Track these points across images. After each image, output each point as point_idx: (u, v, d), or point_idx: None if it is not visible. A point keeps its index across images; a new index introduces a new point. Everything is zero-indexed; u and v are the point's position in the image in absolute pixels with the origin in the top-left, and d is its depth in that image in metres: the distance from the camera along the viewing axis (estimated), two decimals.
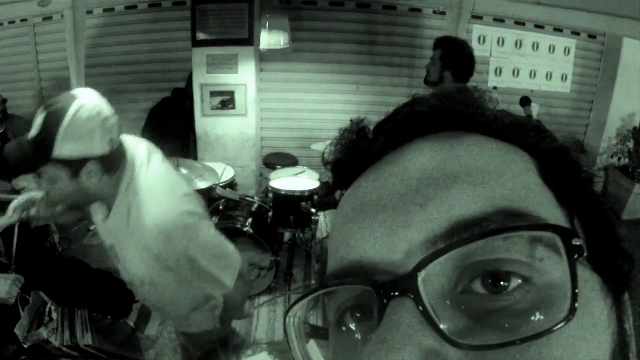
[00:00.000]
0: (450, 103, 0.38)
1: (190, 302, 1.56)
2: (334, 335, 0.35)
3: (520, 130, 0.37)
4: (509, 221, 0.29)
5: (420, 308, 0.28)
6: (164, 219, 1.33)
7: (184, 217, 1.37)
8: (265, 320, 3.20)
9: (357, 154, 0.40)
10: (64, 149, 1.22)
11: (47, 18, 5.06)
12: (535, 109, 3.99)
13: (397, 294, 0.29)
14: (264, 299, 3.36)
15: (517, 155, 0.35)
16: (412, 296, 0.28)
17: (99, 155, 1.28)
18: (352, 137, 0.42)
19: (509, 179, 0.32)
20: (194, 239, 1.38)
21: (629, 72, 4.86)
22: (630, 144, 4.87)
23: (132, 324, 3.09)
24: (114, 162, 1.34)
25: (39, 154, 1.22)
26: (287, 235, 3.89)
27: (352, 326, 0.34)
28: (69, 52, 3.91)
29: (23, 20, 5.09)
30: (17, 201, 1.52)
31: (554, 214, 0.32)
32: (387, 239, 0.32)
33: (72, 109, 1.22)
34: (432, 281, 0.29)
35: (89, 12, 4.67)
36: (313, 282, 3.45)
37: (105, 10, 5.01)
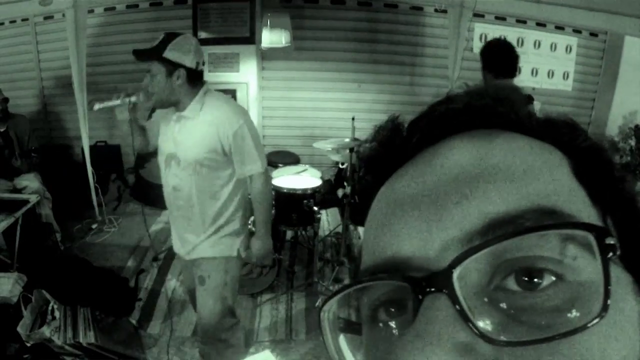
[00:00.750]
0: (484, 100, 0.38)
1: (228, 196, 2.13)
2: (367, 330, 0.36)
3: (553, 127, 0.37)
4: (543, 219, 0.29)
5: (455, 305, 0.28)
6: (230, 104, 2.13)
7: (242, 106, 2.19)
8: (268, 318, 3.20)
9: (392, 150, 0.40)
10: (170, 53, 1.92)
11: (48, 17, 5.06)
12: (537, 107, 3.98)
13: (432, 289, 0.29)
14: (266, 296, 3.36)
15: (550, 153, 0.35)
16: (447, 292, 0.28)
17: (188, 66, 1.95)
18: (387, 134, 0.41)
19: (543, 176, 0.32)
20: (248, 120, 2.06)
21: (631, 69, 4.85)
22: (632, 142, 4.86)
23: (134, 322, 3.10)
24: (196, 78, 2.01)
25: (155, 52, 1.92)
26: (289, 233, 3.90)
27: (386, 321, 0.34)
28: (70, 51, 3.90)
29: (24, 20, 5.10)
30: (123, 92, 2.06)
31: (587, 212, 0.32)
32: (422, 235, 0.32)
33: (181, 35, 2.00)
34: (466, 277, 0.29)
35: (90, 11, 4.67)
36: (315, 280, 3.45)
37: (106, 9, 5.01)
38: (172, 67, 1.93)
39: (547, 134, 0.36)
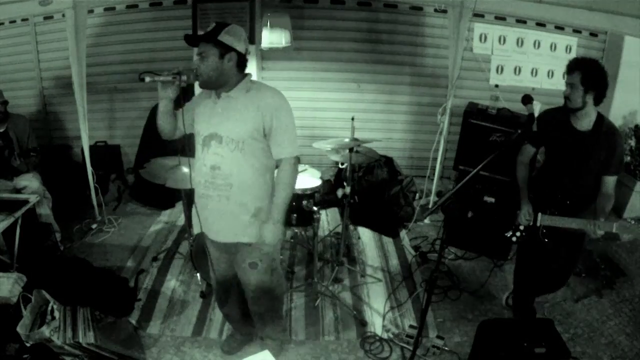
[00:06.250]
0: None
1: (264, 181, 2.24)
2: None
3: None
4: None
5: None
6: (273, 90, 2.20)
7: (282, 94, 2.24)
8: None
9: None
10: (224, 37, 2.05)
11: (48, 17, 5.07)
12: (536, 107, 3.98)
13: None
14: None
15: None
16: None
17: (239, 51, 2.10)
18: None
19: None
20: (288, 107, 2.19)
21: (630, 69, 4.86)
22: (632, 142, 4.87)
23: (134, 322, 3.10)
24: (243, 63, 2.16)
25: (211, 36, 2.05)
26: (289, 233, 3.90)
27: None
28: (70, 51, 3.90)
29: (24, 20, 5.11)
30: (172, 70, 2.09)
31: None
32: None
33: (232, 24, 2.10)
34: None
35: (90, 11, 4.68)
36: (315, 280, 3.45)
37: (106, 10, 5.02)
38: (225, 50, 2.07)
39: None
